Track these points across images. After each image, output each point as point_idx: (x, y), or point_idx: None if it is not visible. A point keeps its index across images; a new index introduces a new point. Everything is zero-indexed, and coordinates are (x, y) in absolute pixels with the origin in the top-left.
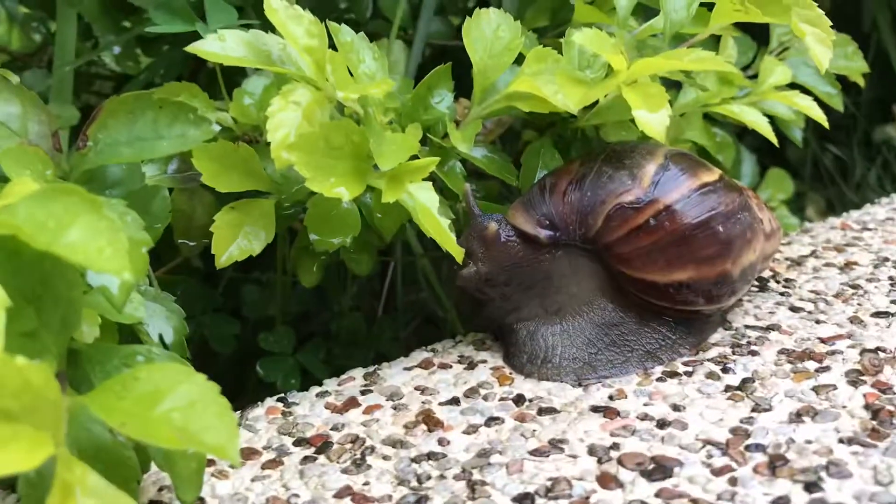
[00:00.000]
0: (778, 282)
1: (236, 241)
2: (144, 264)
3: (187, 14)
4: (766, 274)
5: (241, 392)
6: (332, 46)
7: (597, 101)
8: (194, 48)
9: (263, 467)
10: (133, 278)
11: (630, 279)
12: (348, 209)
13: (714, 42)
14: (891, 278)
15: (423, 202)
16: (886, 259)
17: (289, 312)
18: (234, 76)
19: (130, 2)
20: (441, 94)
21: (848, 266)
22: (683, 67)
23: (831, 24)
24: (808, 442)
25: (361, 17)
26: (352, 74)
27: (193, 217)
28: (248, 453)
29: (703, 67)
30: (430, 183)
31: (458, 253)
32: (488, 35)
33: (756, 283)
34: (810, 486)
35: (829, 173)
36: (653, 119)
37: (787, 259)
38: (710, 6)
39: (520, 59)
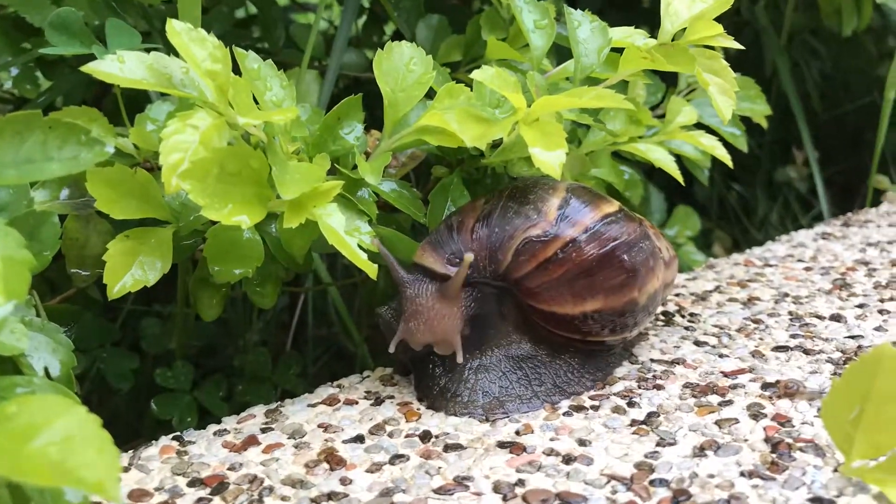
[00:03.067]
0: (683, 316)
1: (130, 270)
2: (24, 285)
3: (86, 36)
4: (672, 308)
5: (140, 430)
6: (240, 74)
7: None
8: (90, 68)
9: None
10: (5, 300)
11: (540, 313)
12: (250, 239)
13: (624, 85)
14: (790, 313)
15: (330, 224)
16: (786, 294)
17: (191, 346)
18: (140, 103)
19: (30, 22)
20: (351, 125)
21: (750, 301)
22: (583, 105)
23: (735, 69)
24: (711, 476)
25: (274, 46)
26: (258, 102)
27: (87, 245)
28: (139, 495)
29: (603, 105)
30: (335, 205)
31: (370, 269)
32: (400, 68)
33: (662, 317)
34: None
35: (734, 211)
36: (549, 157)
37: (692, 294)
38: (622, 51)
39: (432, 94)
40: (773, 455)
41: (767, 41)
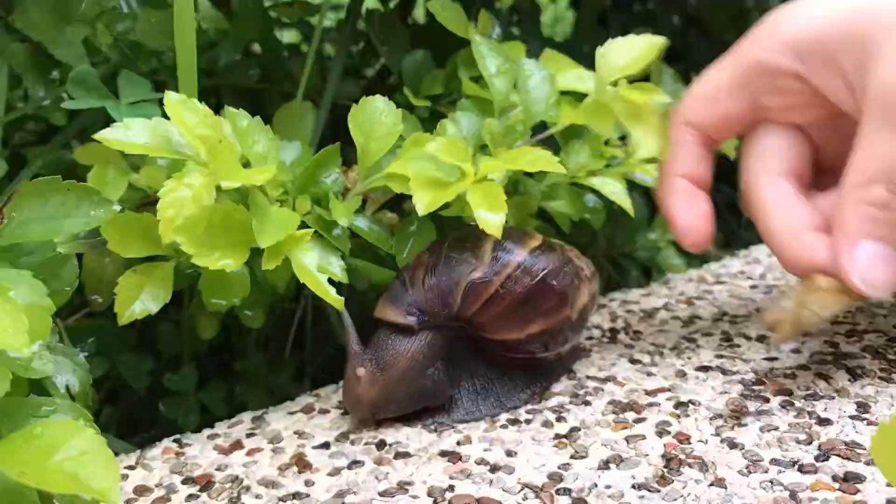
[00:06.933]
0: (627, 333)
1: (137, 300)
2: (45, 328)
3: (101, 91)
4: (619, 325)
5: (155, 422)
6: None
7: None
8: (102, 137)
9: None
10: (30, 352)
11: (492, 341)
12: (238, 273)
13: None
14: (723, 333)
15: (303, 263)
16: (725, 314)
17: (198, 350)
18: None
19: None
20: (329, 172)
21: (691, 320)
22: (521, 168)
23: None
24: (608, 486)
25: (276, 83)
26: (247, 163)
27: (104, 275)
28: (142, 490)
29: (539, 168)
30: (310, 244)
31: (336, 303)
32: (372, 120)
33: (608, 334)
34: None
35: (720, 212)
36: (492, 218)
37: (641, 311)
38: (577, 94)
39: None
40: (665, 469)
41: None
